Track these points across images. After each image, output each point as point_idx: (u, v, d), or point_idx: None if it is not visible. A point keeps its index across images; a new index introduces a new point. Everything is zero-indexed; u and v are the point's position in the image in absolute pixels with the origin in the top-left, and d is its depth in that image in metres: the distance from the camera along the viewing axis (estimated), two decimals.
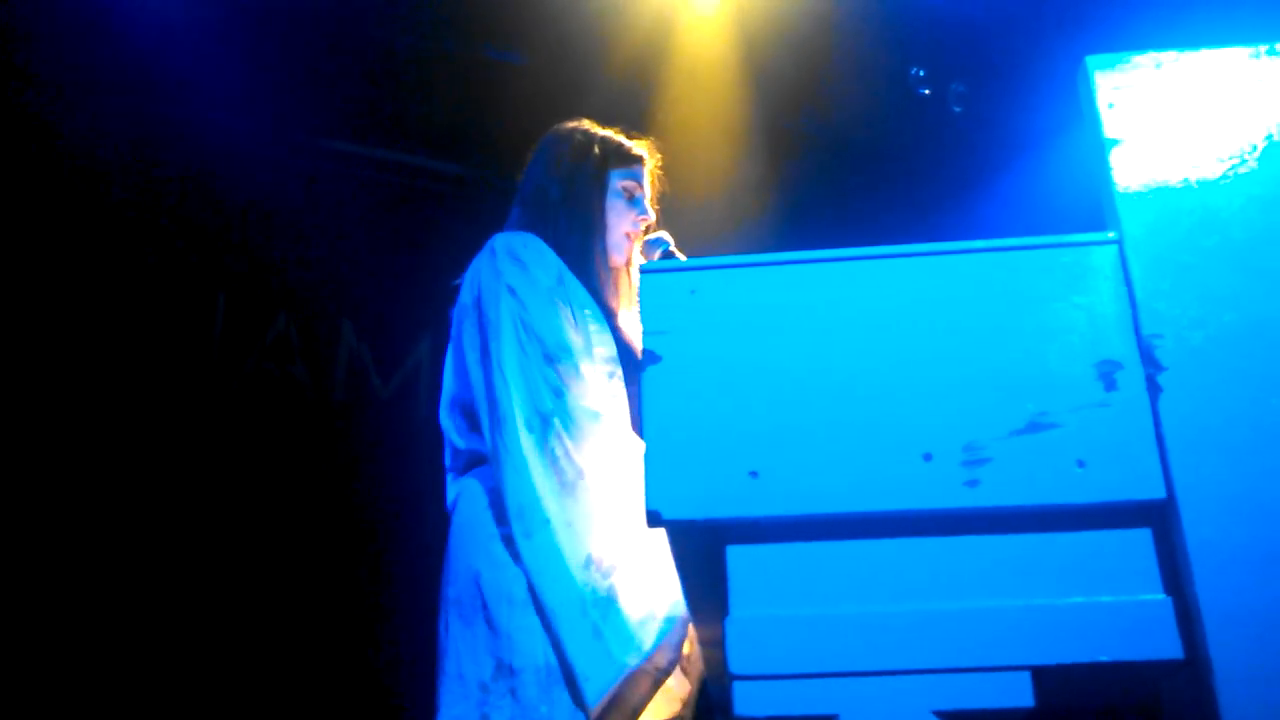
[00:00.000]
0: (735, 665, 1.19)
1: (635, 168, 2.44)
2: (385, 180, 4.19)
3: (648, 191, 2.46)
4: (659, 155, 2.53)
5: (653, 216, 2.43)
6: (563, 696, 1.90)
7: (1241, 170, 1.32)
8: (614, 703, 1.85)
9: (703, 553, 1.31)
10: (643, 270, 1.38)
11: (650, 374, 1.31)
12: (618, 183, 2.41)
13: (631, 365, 2.25)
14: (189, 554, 3.48)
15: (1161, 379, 1.24)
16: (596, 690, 1.85)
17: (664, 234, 2.39)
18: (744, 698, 1.19)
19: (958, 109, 3.94)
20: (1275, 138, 1.34)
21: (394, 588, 3.56)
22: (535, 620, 1.95)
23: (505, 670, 1.93)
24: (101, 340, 3.55)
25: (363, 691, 3.47)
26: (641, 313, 1.35)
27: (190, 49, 3.71)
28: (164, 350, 3.68)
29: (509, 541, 2.00)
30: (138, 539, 3.42)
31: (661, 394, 1.30)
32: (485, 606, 1.99)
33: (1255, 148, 1.33)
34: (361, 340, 4.01)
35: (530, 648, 1.93)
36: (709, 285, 1.34)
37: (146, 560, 3.41)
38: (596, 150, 2.41)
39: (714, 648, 1.85)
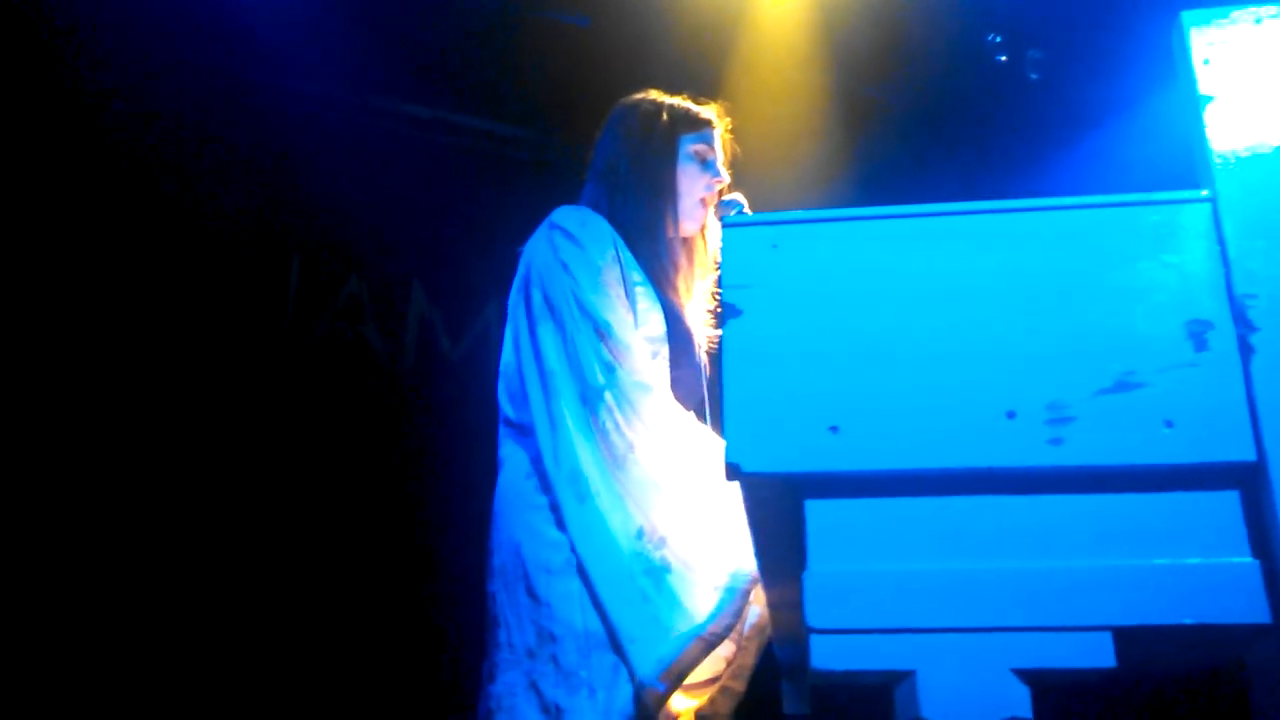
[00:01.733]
0: (813, 619, 1.20)
1: (705, 130, 2.43)
2: (453, 143, 4.21)
3: (719, 155, 2.45)
4: (729, 118, 2.51)
5: (726, 179, 2.42)
6: (602, 661, 1.91)
7: None
8: (663, 667, 1.85)
9: (779, 508, 1.31)
10: (724, 224, 1.38)
11: (731, 328, 1.31)
12: (688, 147, 2.40)
13: (683, 342, 2.26)
14: (261, 512, 3.54)
15: (1254, 339, 1.21)
16: (644, 654, 1.85)
17: (738, 196, 2.38)
18: (821, 651, 1.19)
19: (1034, 76, 3.87)
20: None
21: (459, 548, 3.59)
22: (573, 587, 1.97)
23: (547, 637, 1.95)
24: (179, 305, 3.62)
25: (425, 652, 3.52)
26: (722, 267, 1.35)
27: (264, 13, 3.74)
28: (240, 312, 3.75)
29: (554, 509, 2.03)
30: (213, 497, 3.49)
31: (742, 348, 1.30)
32: (526, 575, 2.02)
33: None
34: (432, 302, 4.05)
35: (568, 614, 1.95)
36: (791, 240, 1.34)
37: (220, 517, 3.48)
38: (664, 117, 2.41)
39: (785, 609, 1.86)
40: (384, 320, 3.99)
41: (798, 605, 1.55)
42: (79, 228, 3.47)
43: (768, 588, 1.80)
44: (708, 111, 2.47)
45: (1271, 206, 1.26)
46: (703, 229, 2.46)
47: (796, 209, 1.38)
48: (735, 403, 1.27)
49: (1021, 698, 1.15)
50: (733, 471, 1.25)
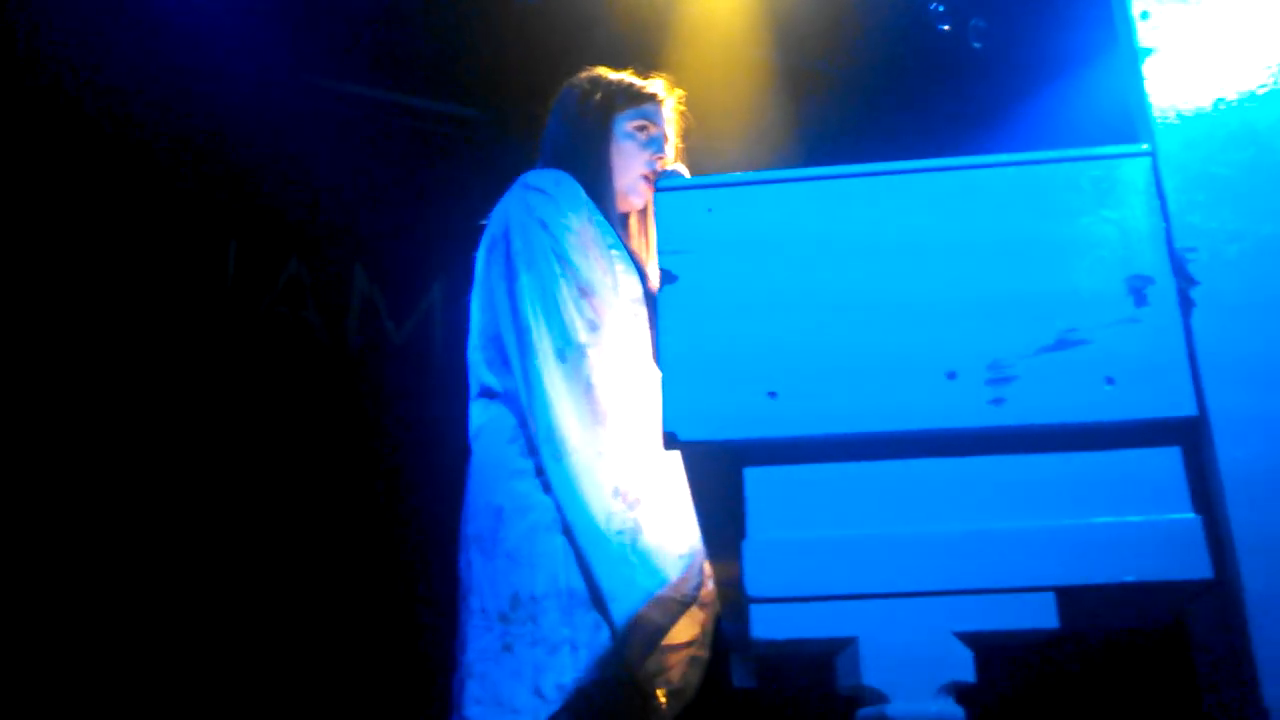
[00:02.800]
0: (752, 588, 1.17)
1: (645, 106, 2.39)
2: (397, 124, 4.14)
3: (666, 129, 2.41)
4: (679, 91, 2.48)
5: (669, 154, 2.38)
6: (584, 619, 1.92)
7: (1277, 78, 1.27)
8: (638, 625, 1.86)
9: (719, 476, 1.28)
10: (657, 188, 1.34)
11: (666, 294, 1.27)
12: (627, 124, 2.37)
13: (655, 307, 2.23)
14: (200, 496, 3.47)
15: (1194, 294, 1.20)
16: (622, 611, 1.86)
17: (678, 167, 2.35)
18: (761, 620, 1.17)
19: (977, 45, 3.86)
20: None
21: (408, 529, 3.55)
22: (558, 544, 1.96)
23: (526, 599, 1.94)
24: (113, 286, 3.53)
25: (382, 630, 3.47)
26: (658, 232, 1.31)
27: None
28: (177, 295, 3.66)
29: (538, 472, 2.01)
30: (150, 481, 3.41)
31: (678, 314, 1.27)
32: (508, 539, 2.00)
33: None
34: (374, 284, 3.98)
35: (552, 572, 1.94)
36: (726, 203, 1.31)
37: (159, 502, 3.40)
38: (598, 96, 2.38)
39: (728, 585, 1.84)
40: (326, 304, 3.92)
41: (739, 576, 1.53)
42: (7, 207, 3.37)
43: (712, 558, 1.78)
44: (652, 86, 2.43)
45: (1211, 160, 1.24)
46: (648, 207, 2.43)
47: None
48: (672, 370, 1.24)
49: (964, 661, 1.13)
50: (670, 440, 1.22)
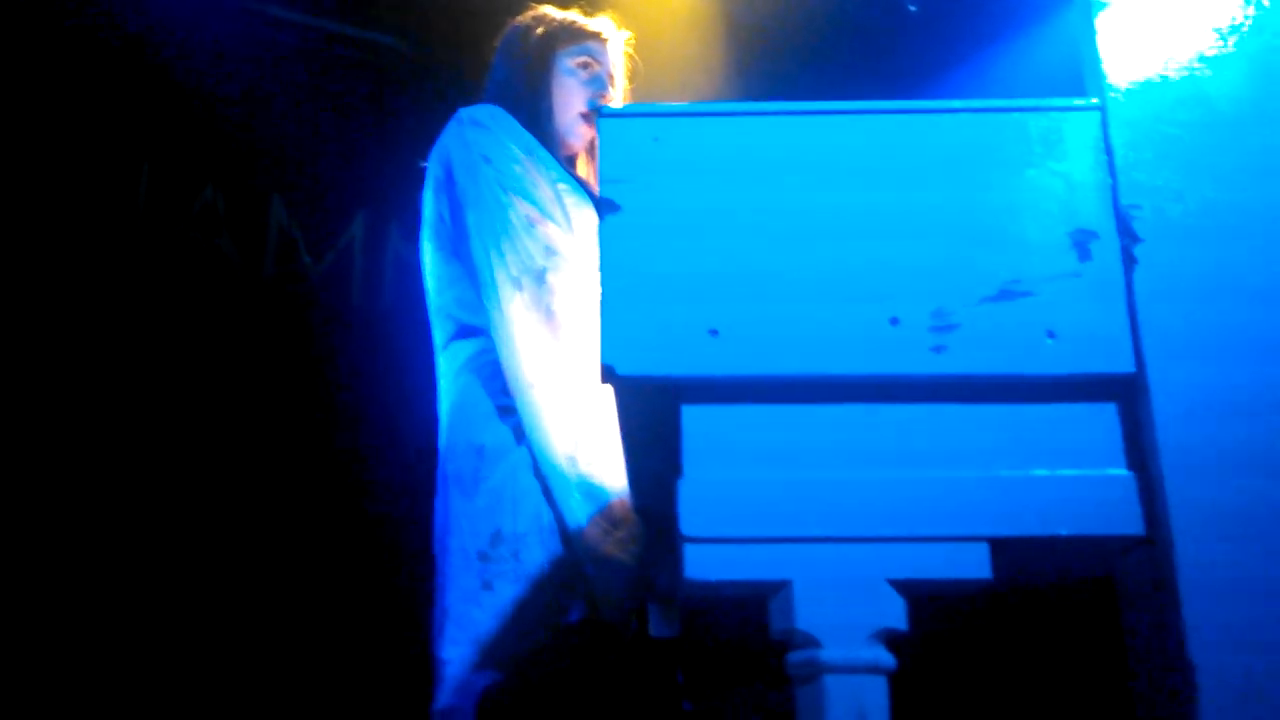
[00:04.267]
0: (687, 527, 1.15)
1: (586, 43, 2.34)
2: (322, 51, 4.00)
3: (610, 69, 2.36)
4: (626, 32, 2.42)
5: (610, 91, 2.33)
6: (569, 554, 1.91)
7: (1230, 42, 1.27)
8: (603, 512, 1.86)
9: (655, 414, 1.25)
10: (601, 114, 1.30)
11: (608, 224, 1.24)
12: (566, 61, 2.31)
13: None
14: (115, 432, 3.35)
15: (1137, 251, 1.20)
16: (574, 518, 1.87)
17: (616, 106, 2.30)
18: (695, 561, 1.15)
19: (913, 7, 3.85)
20: (1267, 11, 1.29)
21: (330, 466, 3.47)
22: (538, 483, 1.95)
23: (508, 536, 1.92)
24: (19, 210, 3.37)
25: (330, 574, 3.39)
26: (600, 160, 1.27)
27: None
28: (87, 220, 3.51)
29: (508, 412, 1.99)
30: (63, 412, 3.29)
31: (619, 245, 1.23)
32: (490, 477, 1.98)
33: (1247, 19, 1.28)
34: (292, 216, 3.86)
35: (535, 509, 1.93)
36: (673, 133, 1.27)
37: (76, 435, 3.28)
38: (539, 32, 2.33)
39: (653, 524, 1.83)
40: (241, 234, 3.79)
41: (668, 519, 1.51)
42: None
43: (638, 504, 1.76)
44: (596, 24, 2.37)
45: (1160, 117, 1.24)
46: (591, 147, 2.37)
47: None
48: (611, 302, 1.21)
49: (897, 609, 1.13)
50: (607, 374, 1.19)
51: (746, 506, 1.15)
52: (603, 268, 1.22)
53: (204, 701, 3.11)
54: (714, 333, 1.19)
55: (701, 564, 1.14)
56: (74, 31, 3.54)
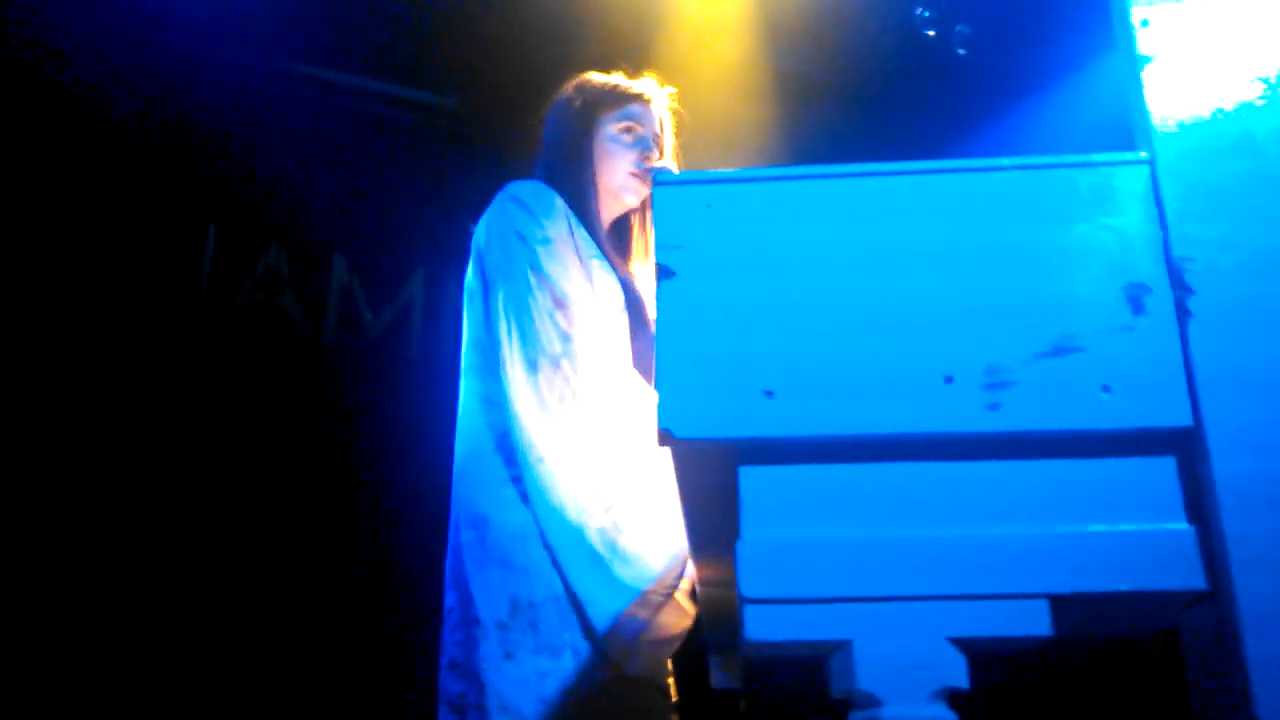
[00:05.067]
0: (746, 588, 1.16)
1: (630, 107, 2.38)
2: (381, 113, 4.11)
3: (654, 128, 2.39)
4: (669, 89, 2.46)
5: (656, 152, 2.36)
6: (582, 618, 1.94)
7: (1278, 91, 1.28)
8: (619, 625, 1.88)
9: (712, 475, 1.27)
10: (656, 182, 1.33)
11: (664, 289, 1.26)
12: (611, 127, 2.36)
13: (639, 315, 2.24)
14: (173, 487, 3.43)
15: (1191, 303, 1.20)
16: (603, 612, 1.86)
17: (667, 163, 2.33)
18: (755, 621, 1.16)
19: (961, 51, 3.87)
20: None
21: (381, 522, 3.52)
22: (547, 554, 1.98)
23: (525, 605, 1.96)
24: (92, 274, 3.48)
25: (353, 628, 3.44)
26: (655, 227, 1.30)
27: None
28: (155, 282, 3.61)
29: (517, 481, 2.03)
30: (124, 471, 3.37)
31: (675, 310, 1.26)
32: (498, 546, 2.01)
33: None
34: (353, 274, 3.94)
35: (549, 579, 1.96)
36: (726, 199, 1.29)
37: (131, 494, 3.36)
38: (579, 103, 2.38)
39: (712, 586, 1.83)
40: (304, 292, 3.88)
41: (727, 579, 1.52)
42: None
43: (698, 560, 1.77)
44: (639, 86, 2.42)
45: (1209, 168, 1.24)
46: (645, 207, 2.42)
47: None
48: (668, 366, 1.23)
49: (958, 666, 1.13)
50: (665, 437, 1.21)
51: (805, 566, 1.16)
52: (659, 332, 1.24)
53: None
54: (769, 394, 1.20)
55: (761, 624, 1.15)
56: (141, 100, 3.67)
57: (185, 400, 3.54)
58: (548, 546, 1.96)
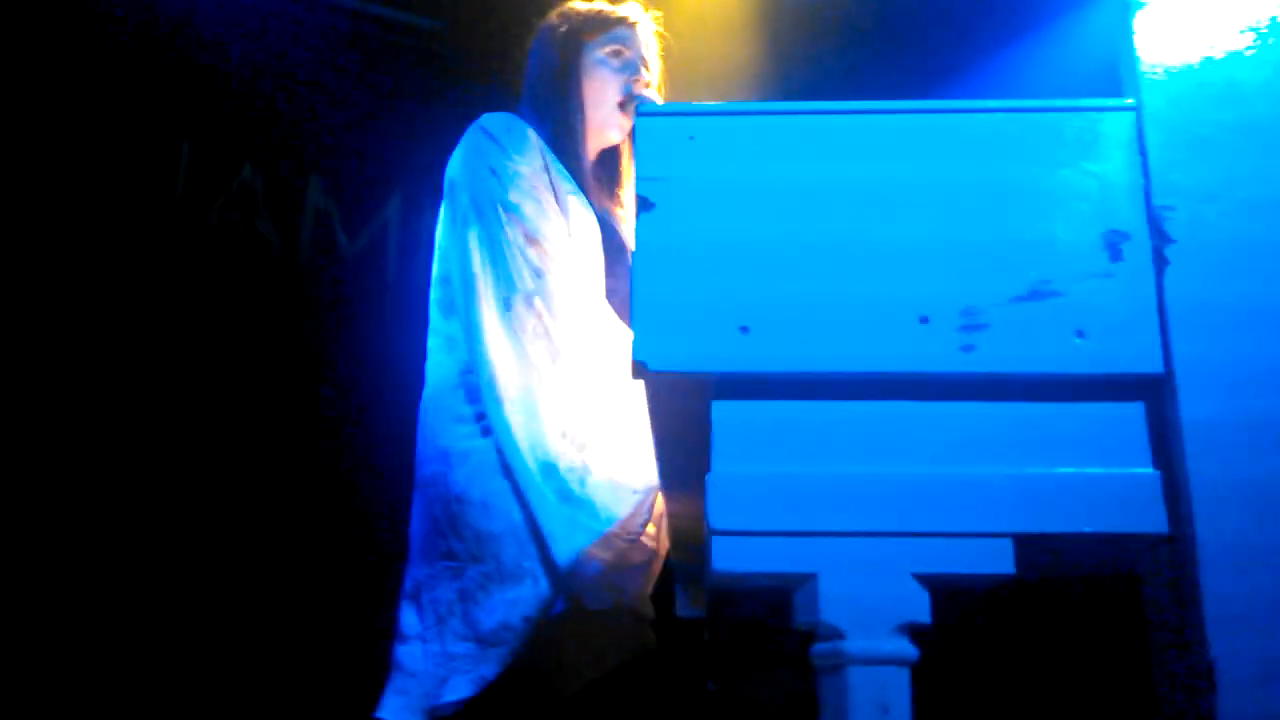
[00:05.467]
0: (715, 520, 1.17)
1: (616, 30, 2.34)
2: (359, 32, 4.02)
3: (642, 51, 2.36)
4: (654, 12, 2.42)
5: (646, 75, 2.33)
6: (540, 551, 1.93)
7: (1268, 44, 1.27)
8: (582, 562, 1.88)
9: (685, 409, 1.27)
10: (639, 112, 1.32)
11: (643, 221, 1.26)
12: (597, 52, 2.31)
13: (617, 251, 2.22)
14: (144, 407, 3.41)
15: (1169, 252, 1.21)
16: (566, 550, 1.87)
17: (651, 94, 2.30)
18: (722, 553, 1.17)
19: None
20: None
21: (356, 447, 3.52)
22: (505, 483, 1.97)
23: (486, 537, 1.95)
24: (57, 187, 3.42)
25: (326, 566, 3.44)
26: (636, 158, 1.29)
27: None
28: (127, 196, 3.56)
29: (479, 418, 2.02)
30: (97, 389, 3.34)
31: (653, 243, 1.25)
32: (456, 483, 2.01)
33: None
34: (329, 195, 3.89)
35: (506, 510, 1.95)
36: (709, 132, 1.29)
37: (102, 423, 3.33)
38: (564, 28, 2.33)
39: (682, 515, 1.85)
40: (278, 213, 3.83)
41: (695, 511, 1.53)
42: None
43: (667, 493, 1.79)
44: (624, 9, 2.38)
45: (1195, 119, 1.24)
46: (631, 134, 2.39)
47: None
48: (644, 299, 1.23)
49: (921, 602, 1.14)
50: (639, 369, 1.21)
51: (773, 500, 1.17)
52: (636, 264, 1.24)
53: (203, 700, 3.16)
54: (744, 330, 1.21)
55: (729, 556, 1.17)
56: (116, 15, 3.59)
57: (156, 319, 3.50)
58: (512, 480, 1.95)
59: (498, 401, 1.98)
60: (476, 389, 2.03)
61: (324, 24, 3.93)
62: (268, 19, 3.84)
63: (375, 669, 2.06)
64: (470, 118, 2.32)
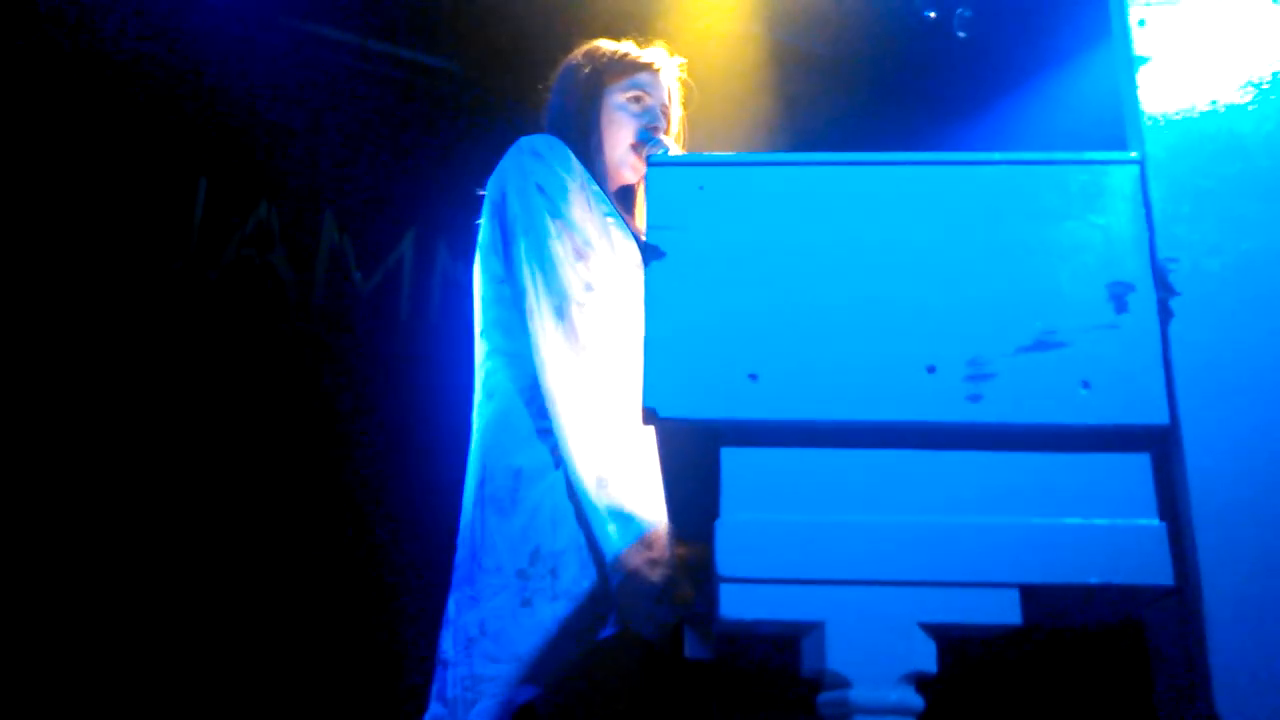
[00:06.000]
0: (723, 567, 1.18)
1: (636, 76, 2.37)
2: (375, 72, 4.08)
3: (662, 98, 2.39)
4: (678, 59, 2.45)
5: (660, 121, 2.36)
6: (603, 572, 1.95)
7: (1270, 98, 1.29)
8: (631, 572, 1.87)
9: (694, 455, 1.28)
10: (649, 162, 1.34)
11: (653, 270, 1.27)
12: (616, 97, 2.35)
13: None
14: (159, 444, 3.43)
15: (1174, 304, 1.22)
16: (612, 547, 1.88)
17: (666, 140, 2.33)
18: (730, 600, 1.17)
19: (962, 34, 3.86)
20: None
21: (370, 481, 3.53)
22: (572, 504, 1.99)
23: (547, 554, 1.96)
24: (76, 223, 3.46)
25: (348, 587, 3.44)
26: (648, 207, 1.31)
27: None
28: (144, 232, 3.60)
29: (548, 435, 2.03)
30: (110, 428, 3.37)
31: (663, 291, 1.27)
32: (528, 498, 2.02)
33: None
34: (344, 232, 3.93)
35: (573, 528, 1.97)
36: (718, 182, 1.30)
37: (117, 452, 3.36)
38: (586, 70, 2.36)
39: (691, 559, 1.85)
40: (294, 249, 3.87)
41: (703, 557, 1.54)
42: None
43: (678, 537, 1.79)
44: (647, 55, 2.40)
45: (1199, 171, 1.26)
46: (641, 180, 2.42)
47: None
48: (654, 346, 1.25)
49: (928, 652, 1.15)
50: (649, 416, 1.22)
51: (782, 548, 1.18)
52: (647, 312, 1.26)
53: (202, 700, 3.16)
54: (753, 377, 1.22)
55: (736, 603, 1.17)
56: (136, 52, 3.64)
57: (171, 355, 3.53)
58: (573, 495, 1.96)
59: (558, 407, 1.99)
60: (546, 399, 2.03)
61: (341, 63, 3.98)
62: (285, 58, 3.89)
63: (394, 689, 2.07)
64: (484, 158, 2.36)
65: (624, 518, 1.90)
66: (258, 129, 3.82)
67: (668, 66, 2.40)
